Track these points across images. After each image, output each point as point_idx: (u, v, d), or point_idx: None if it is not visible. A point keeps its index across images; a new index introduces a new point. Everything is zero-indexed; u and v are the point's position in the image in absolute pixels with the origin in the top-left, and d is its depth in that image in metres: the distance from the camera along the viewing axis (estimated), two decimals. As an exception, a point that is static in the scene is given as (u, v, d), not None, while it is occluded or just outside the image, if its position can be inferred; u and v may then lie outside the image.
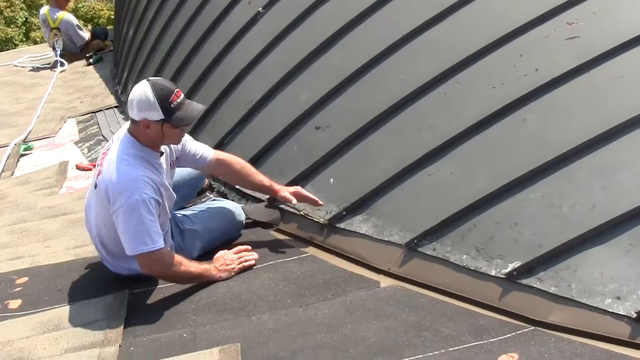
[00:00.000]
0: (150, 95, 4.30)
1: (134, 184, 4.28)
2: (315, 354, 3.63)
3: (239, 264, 4.67)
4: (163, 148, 4.64)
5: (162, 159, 4.64)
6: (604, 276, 3.53)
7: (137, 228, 4.30)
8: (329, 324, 3.88)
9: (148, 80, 4.41)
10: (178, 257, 4.46)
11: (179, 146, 4.82)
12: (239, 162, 5.13)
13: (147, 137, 4.46)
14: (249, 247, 4.82)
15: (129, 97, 4.41)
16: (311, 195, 4.93)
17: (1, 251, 5.64)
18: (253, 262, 4.71)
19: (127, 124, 4.62)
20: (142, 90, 4.35)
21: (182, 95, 4.45)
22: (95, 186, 4.52)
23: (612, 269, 3.54)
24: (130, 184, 4.28)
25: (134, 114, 4.39)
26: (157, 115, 4.33)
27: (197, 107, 4.56)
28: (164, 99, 4.32)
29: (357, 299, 4.09)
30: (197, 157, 4.96)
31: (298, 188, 4.99)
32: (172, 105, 4.34)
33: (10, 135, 9.43)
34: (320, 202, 4.88)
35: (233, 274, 4.63)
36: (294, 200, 4.97)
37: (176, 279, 4.58)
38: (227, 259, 4.68)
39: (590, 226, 3.68)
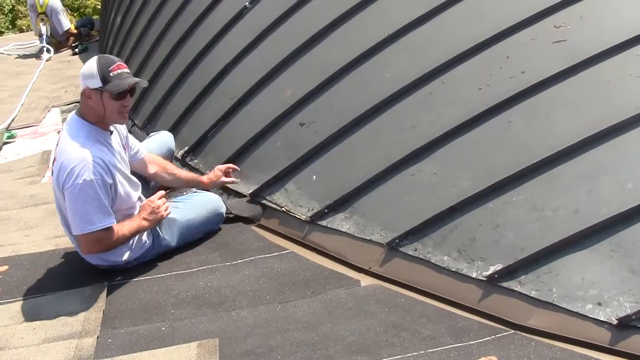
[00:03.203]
0: (93, 65, 4.44)
1: (83, 165, 4.31)
2: (293, 351, 3.62)
3: (165, 210, 4.79)
4: (112, 128, 4.71)
5: (113, 139, 4.68)
6: (586, 281, 3.52)
7: (83, 209, 4.36)
8: (308, 321, 3.88)
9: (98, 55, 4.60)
10: (113, 228, 4.52)
11: (124, 132, 4.90)
12: (164, 163, 5.39)
13: (92, 112, 4.53)
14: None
15: None
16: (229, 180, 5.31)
17: (-19, 239, 5.59)
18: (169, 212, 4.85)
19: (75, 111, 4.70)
20: (89, 62, 4.50)
21: (125, 69, 4.56)
22: (52, 173, 4.55)
23: (593, 274, 3.54)
24: (78, 165, 4.31)
25: (80, 85, 4.51)
26: (96, 82, 4.43)
27: (134, 79, 4.64)
28: (104, 68, 4.44)
29: (336, 298, 4.08)
30: (133, 151, 5.03)
31: (220, 170, 5.34)
32: (110, 74, 4.45)
33: (-7, 123, 9.40)
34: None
35: (161, 218, 4.77)
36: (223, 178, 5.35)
37: (116, 247, 4.64)
38: (154, 206, 4.76)
39: (572, 231, 3.67)
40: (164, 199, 4.84)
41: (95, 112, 4.51)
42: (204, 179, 5.39)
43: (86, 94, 4.46)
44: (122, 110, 4.60)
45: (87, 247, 4.56)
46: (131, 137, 5.03)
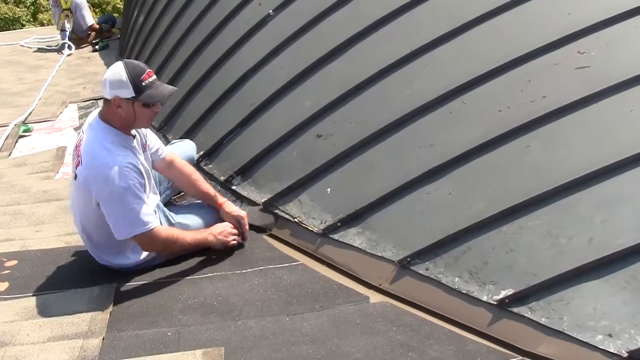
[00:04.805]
0: (123, 73, 4.38)
1: (117, 172, 4.30)
2: (298, 365, 3.60)
3: (233, 240, 4.84)
4: (134, 132, 4.70)
5: (135, 143, 4.68)
6: (597, 311, 3.49)
7: (125, 214, 4.37)
8: (315, 335, 3.85)
9: (122, 60, 4.52)
10: (171, 231, 4.61)
11: (144, 132, 4.90)
12: (189, 168, 5.22)
13: (119, 118, 4.51)
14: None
15: (103, 77, 4.48)
16: (245, 230, 5.04)
17: (-8, 232, 5.59)
18: (236, 243, 4.88)
19: (96, 112, 4.67)
20: (115, 69, 4.43)
21: (154, 76, 4.54)
22: (76, 177, 4.54)
23: (605, 305, 3.50)
24: (112, 172, 4.30)
25: (106, 92, 4.45)
26: (128, 92, 4.39)
27: (167, 87, 4.64)
28: (135, 77, 4.39)
29: (345, 313, 4.05)
30: (153, 150, 4.99)
31: (241, 215, 5.05)
32: (143, 84, 4.42)
33: (10, 115, 9.44)
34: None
35: (227, 246, 4.82)
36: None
37: (173, 251, 4.73)
38: (228, 232, 4.83)
39: (586, 259, 3.64)
40: (236, 231, 4.91)
41: (123, 119, 4.49)
42: (221, 200, 5.13)
43: (116, 103, 4.42)
44: (153, 116, 4.63)
45: (146, 246, 4.64)
46: (151, 136, 4.99)
